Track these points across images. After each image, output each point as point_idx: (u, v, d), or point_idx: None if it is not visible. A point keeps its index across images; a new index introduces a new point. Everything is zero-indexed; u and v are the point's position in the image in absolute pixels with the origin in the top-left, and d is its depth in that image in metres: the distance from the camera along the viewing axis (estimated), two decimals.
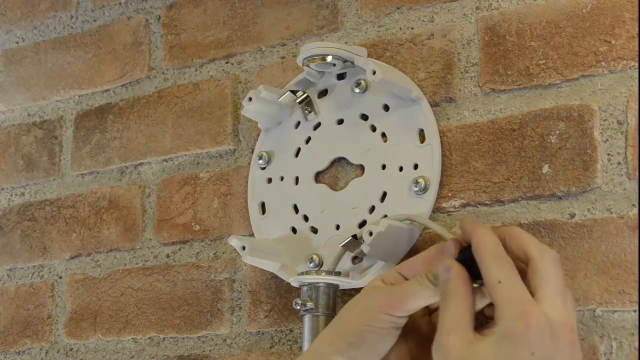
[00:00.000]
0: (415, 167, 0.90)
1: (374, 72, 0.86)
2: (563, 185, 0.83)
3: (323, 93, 0.97)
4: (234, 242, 0.91)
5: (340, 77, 0.96)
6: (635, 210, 0.79)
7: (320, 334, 0.79)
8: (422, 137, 0.90)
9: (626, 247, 0.79)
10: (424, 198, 0.88)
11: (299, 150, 0.98)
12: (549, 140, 0.84)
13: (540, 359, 0.66)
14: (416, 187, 0.88)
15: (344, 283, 0.90)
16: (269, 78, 1.02)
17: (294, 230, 0.96)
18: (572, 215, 0.82)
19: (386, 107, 0.93)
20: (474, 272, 0.71)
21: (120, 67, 1.15)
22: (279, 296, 0.98)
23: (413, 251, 0.89)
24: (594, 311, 0.80)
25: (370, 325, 0.75)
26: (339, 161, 0.96)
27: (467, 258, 0.72)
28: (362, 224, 0.91)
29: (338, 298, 0.91)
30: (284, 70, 1.02)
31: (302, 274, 0.90)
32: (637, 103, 0.80)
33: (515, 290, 0.68)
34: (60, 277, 1.15)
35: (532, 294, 0.69)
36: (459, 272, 0.72)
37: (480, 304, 0.76)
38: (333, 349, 0.76)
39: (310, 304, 0.88)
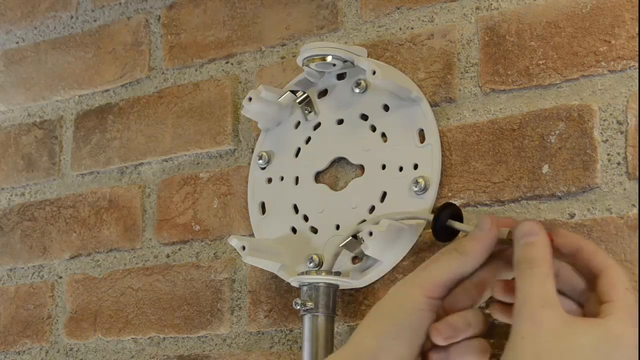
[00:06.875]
0: (415, 167, 0.90)
1: (374, 72, 0.86)
2: (563, 185, 0.83)
3: (323, 93, 0.97)
4: (234, 242, 0.91)
5: (340, 77, 0.96)
6: (635, 210, 0.79)
7: (357, 328, 0.78)
8: (422, 137, 0.90)
9: (626, 247, 0.79)
10: (424, 198, 0.88)
11: (299, 150, 0.98)
12: (548, 140, 0.84)
13: None
14: (416, 187, 0.88)
15: (344, 283, 0.90)
16: (269, 78, 1.02)
17: (294, 230, 0.96)
18: (572, 215, 0.82)
19: (386, 107, 0.93)
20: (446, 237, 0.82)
21: (120, 67, 1.15)
22: (279, 296, 0.98)
23: (413, 251, 0.89)
24: None
25: (413, 308, 0.74)
26: (339, 161, 0.96)
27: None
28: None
29: (338, 298, 0.91)
30: (284, 70, 1.02)
31: (302, 274, 0.90)
32: (637, 103, 0.80)
33: (636, 303, 0.68)
34: (60, 277, 1.15)
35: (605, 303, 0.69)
36: (545, 237, 0.71)
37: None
38: (377, 332, 0.75)
39: (310, 304, 0.88)
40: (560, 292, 0.72)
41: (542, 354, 0.65)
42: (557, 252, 0.72)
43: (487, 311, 0.78)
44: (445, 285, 0.74)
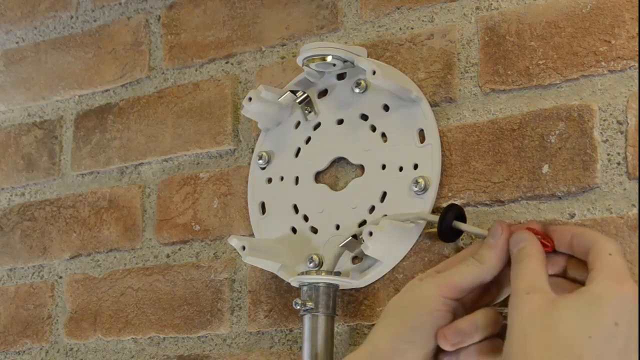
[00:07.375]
0: (415, 167, 0.90)
1: (374, 72, 0.86)
2: (563, 185, 0.83)
3: (323, 93, 0.97)
4: (234, 242, 0.91)
5: (340, 77, 0.96)
6: (635, 210, 0.79)
7: (375, 326, 0.79)
8: (422, 137, 0.90)
9: (626, 247, 0.79)
10: (423, 198, 0.88)
11: (299, 150, 0.98)
12: (548, 140, 0.84)
13: (622, 334, 0.67)
14: (416, 187, 0.88)
15: (344, 283, 0.90)
16: (269, 78, 1.02)
17: (294, 230, 0.96)
18: (572, 215, 0.82)
19: (386, 107, 0.93)
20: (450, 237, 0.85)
21: (120, 67, 1.15)
22: (279, 296, 0.98)
23: (413, 251, 0.89)
24: None
25: (429, 309, 0.76)
26: (339, 161, 0.96)
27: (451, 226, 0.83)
28: (362, 224, 0.91)
29: (338, 298, 0.91)
30: (284, 70, 1.02)
31: (302, 274, 0.90)
32: (637, 103, 0.80)
33: (622, 266, 0.70)
34: (60, 277, 1.15)
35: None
36: (534, 240, 0.75)
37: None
38: (392, 334, 0.76)
39: (310, 304, 0.88)
40: (580, 282, 0.74)
41: (529, 334, 0.68)
42: (561, 247, 0.76)
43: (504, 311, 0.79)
44: (462, 289, 0.77)
